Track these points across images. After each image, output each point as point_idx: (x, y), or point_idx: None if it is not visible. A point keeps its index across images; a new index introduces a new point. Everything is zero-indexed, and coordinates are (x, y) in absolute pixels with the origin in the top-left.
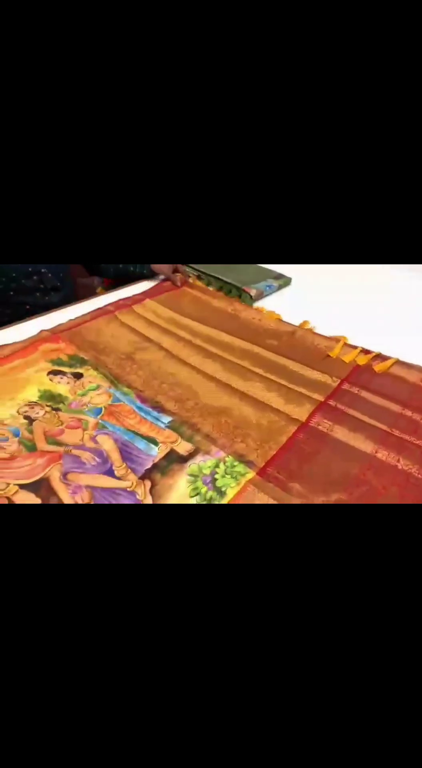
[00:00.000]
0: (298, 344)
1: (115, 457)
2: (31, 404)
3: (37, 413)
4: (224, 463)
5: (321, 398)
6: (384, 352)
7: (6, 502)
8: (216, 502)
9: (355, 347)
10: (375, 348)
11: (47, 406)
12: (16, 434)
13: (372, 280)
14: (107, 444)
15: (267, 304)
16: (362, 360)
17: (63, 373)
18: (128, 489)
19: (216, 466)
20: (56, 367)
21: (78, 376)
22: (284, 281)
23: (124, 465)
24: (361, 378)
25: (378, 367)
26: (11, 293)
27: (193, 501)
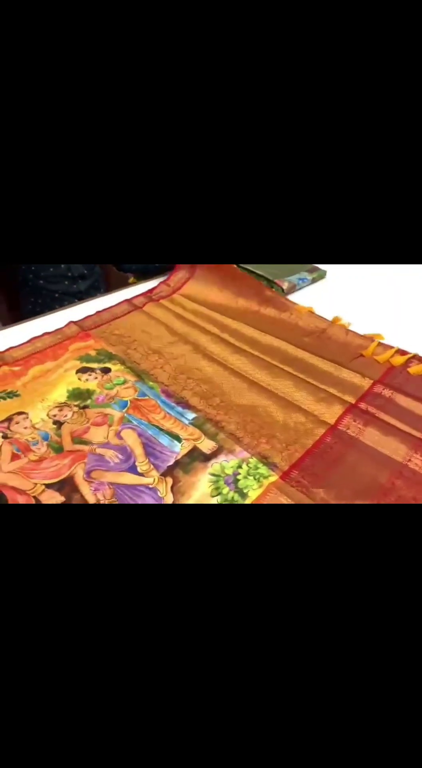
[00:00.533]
0: (330, 342)
1: (139, 452)
2: (60, 406)
3: (66, 416)
4: (247, 464)
5: (352, 400)
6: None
7: (33, 501)
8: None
9: (391, 347)
10: (413, 348)
11: (75, 405)
12: (45, 438)
13: (412, 277)
14: (131, 439)
15: (300, 298)
16: (397, 361)
17: (91, 370)
18: (150, 486)
19: (239, 466)
20: (85, 364)
21: (106, 371)
22: (319, 274)
23: (147, 460)
24: (396, 380)
25: (414, 369)
26: (41, 281)
27: (215, 501)
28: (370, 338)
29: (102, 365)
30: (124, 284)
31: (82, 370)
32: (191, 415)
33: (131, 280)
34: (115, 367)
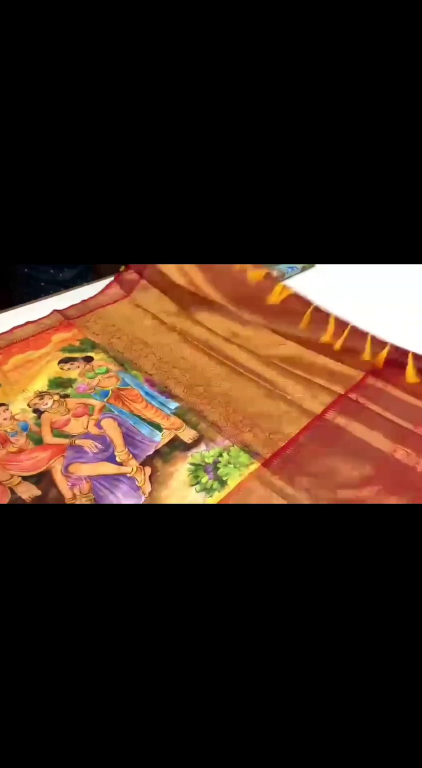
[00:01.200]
0: (322, 331)
1: (118, 441)
2: (41, 395)
3: (46, 404)
4: (228, 453)
5: (340, 390)
6: (410, 347)
7: (9, 492)
8: (217, 492)
9: (385, 343)
10: (401, 341)
11: (56, 394)
12: (24, 429)
13: (401, 267)
14: (111, 428)
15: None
16: (381, 359)
17: (73, 360)
18: (128, 475)
19: (220, 455)
20: (67, 355)
21: (88, 359)
22: (308, 263)
23: (126, 450)
24: (389, 372)
25: (410, 376)
26: (27, 269)
27: (194, 489)
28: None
29: (84, 354)
30: (113, 272)
31: (64, 361)
32: (174, 405)
33: (122, 268)
34: (97, 356)
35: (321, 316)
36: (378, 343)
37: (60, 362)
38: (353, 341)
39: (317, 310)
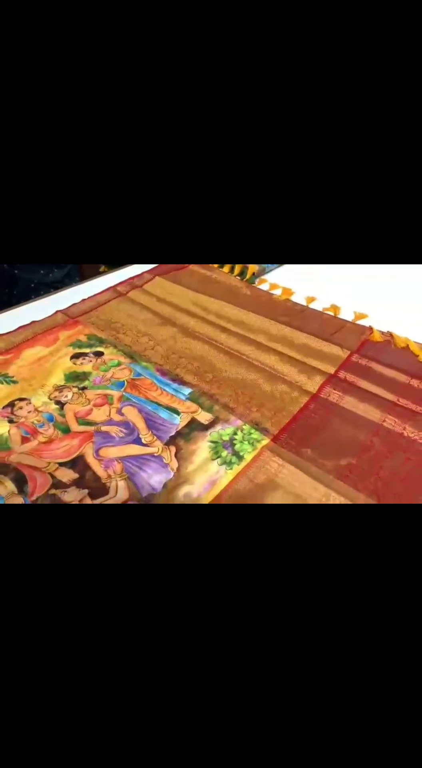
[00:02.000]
0: (309, 319)
1: (141, 425)
2: (60, 388)
3: (66, 396)
4: (241, 431)
5: (331, 370)
6: (389, 328)
7: (50, 478)
8: (236, 465)
9: (366, 327)
10: (378, 323)
11: (74, 387)
12: (50, 420)
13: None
14: (132, 414)
15: (270, 279)
16: (376, 337)
17: (85, 355)
18: (155, 453)
19: (235, 433)
20: (77, 350)
21: (99, 354)
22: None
23: (150, 432)
24: (370, 351)
25: (398, 341)
26: (16, 271)
27: (215, 463)
28: (342, 321)
29: (94, 350)
30: (96, 273)
31: (76, 356)
32: (187, 390)
33: (102, 268)
34: (107, 351)
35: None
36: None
37: (72, 358)
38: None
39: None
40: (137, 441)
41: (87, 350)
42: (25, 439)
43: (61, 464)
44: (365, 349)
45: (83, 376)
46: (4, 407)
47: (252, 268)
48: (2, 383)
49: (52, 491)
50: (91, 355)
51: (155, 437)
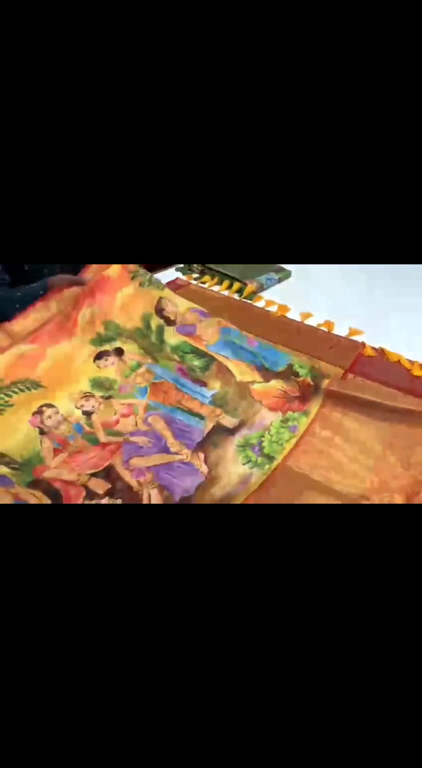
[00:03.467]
0: (304, 335)
1: (168, 435)
2: (86, 396)
3: (93, 406)
4: (269, 432)
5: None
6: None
7: (84, 490)
8: (267, 466)
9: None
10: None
11: (100, 396)
12: (78, 430)
13: (369, 271)
14: (159, 424)
15: (267, 296)
16: (369, 351)
17: (107, 354)
18: (185, 461)
19: (262, 436)
20: (99, 348)
21: (119, 352)
22: (284, 274)
23: (177, 441)
24: (364, 368)
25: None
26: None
27: (246, 467)
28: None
29: (114, 346)
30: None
31: (98, 356)
32: (210, 393)
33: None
34: (126, 347)
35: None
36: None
37: (95, 359)
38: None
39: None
40: (165, 450)
41: (107, 347)
42: (56, 451)
43: (92, 475)
44: (359, 365)
45: (108, 383)
46: (33, 414)
47: (251, 287)
48: (30, 390)
49: (86, 501)
50: (113, 354)
51: (183, 445)
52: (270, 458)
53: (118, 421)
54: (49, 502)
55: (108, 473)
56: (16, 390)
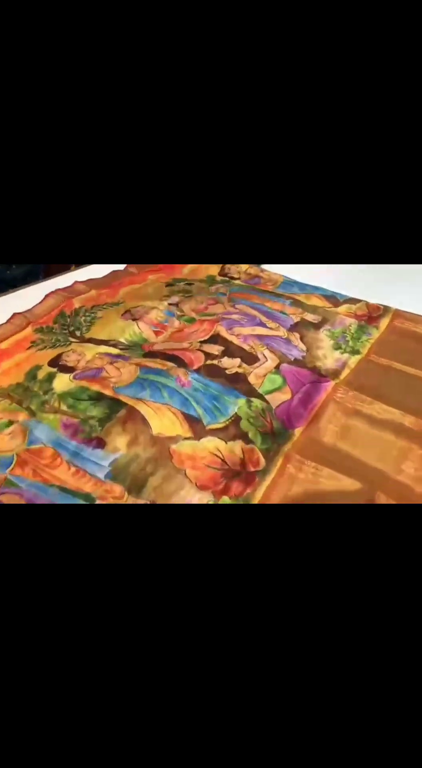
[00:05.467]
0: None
1: (260, 316)
2: (169, 297)
3: (176, 302)
4: (349, 330)
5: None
6: None
7: (200, 353)
8: (357, 356)
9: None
10: None
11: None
12: (171, 315)
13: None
14: (248, 310)
15: None
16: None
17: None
18: (283, 336)
19: (344, 332)
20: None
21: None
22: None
23: (270, 320)
24: None
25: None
26: None
27: (337, 353)
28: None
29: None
30: (63, 270)
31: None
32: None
33: (73, 267)
34: None
35: None
36: None
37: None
38: None
39: None
40: (262, 325)
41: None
42: (156, 333)
43: (202, 342)
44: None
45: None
46: (123, 314)
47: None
48: (112, 306)
49: (208, 362)
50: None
51: (278, 324)
52: (356, 351)
53: (207, 307)
54: (173, 364)
55: (217, 339)
56: None
